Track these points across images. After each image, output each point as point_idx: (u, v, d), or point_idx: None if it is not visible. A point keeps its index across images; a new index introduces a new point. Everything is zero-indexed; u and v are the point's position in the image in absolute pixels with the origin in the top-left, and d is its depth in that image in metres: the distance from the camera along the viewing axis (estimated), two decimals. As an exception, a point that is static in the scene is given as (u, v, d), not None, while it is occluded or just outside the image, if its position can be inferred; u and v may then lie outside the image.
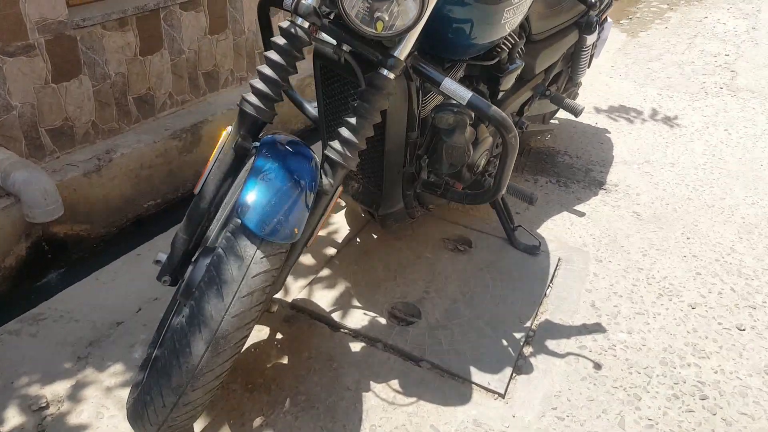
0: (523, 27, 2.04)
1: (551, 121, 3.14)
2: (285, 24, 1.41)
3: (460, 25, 1.59)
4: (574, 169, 2.82)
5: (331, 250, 2.18)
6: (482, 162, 2.00)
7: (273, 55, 1.42)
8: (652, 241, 2.32)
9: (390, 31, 1.36)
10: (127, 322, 1.86)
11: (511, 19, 1.67)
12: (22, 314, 1.87)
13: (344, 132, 1.44)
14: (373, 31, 1.35)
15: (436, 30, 1.60)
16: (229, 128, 1.47)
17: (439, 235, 2.28)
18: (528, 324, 1.89)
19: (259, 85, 1.43)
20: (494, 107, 1.53)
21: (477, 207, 2.48)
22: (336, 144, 1.45)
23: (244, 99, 1.43)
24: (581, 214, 2.47)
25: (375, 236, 2.27)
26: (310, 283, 2.02)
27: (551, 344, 1.83)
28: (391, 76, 1.43)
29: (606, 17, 2.77)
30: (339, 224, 2.32)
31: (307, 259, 2.13)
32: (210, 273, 1.23)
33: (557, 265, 2.16)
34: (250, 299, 1.22)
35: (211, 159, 1.45)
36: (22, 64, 2.10)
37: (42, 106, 2.21)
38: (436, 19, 1.57)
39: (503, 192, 1.75)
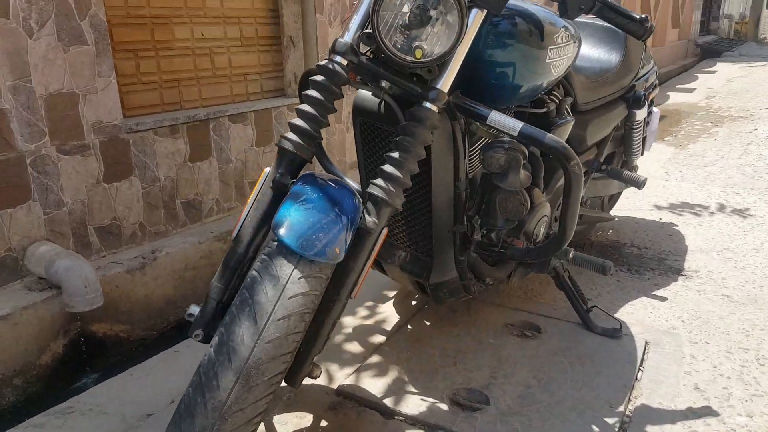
0: (570, 93, 1.99)
1: (613, 217, 2.99)
2: (323, 62, 1.39)
3: (504, 69, 1.54)
4: (645, 258, 2.60)
5: (380, 338, 1.98)
6: (541, 230, 1.84)
7: (312, 92, 1.39)
8: (753, 321, 2.03)
9: (429, 59, 1.31)
10: (159, 413, 1.67)
11: (556, 61, 1.61)
12: (50, 408, 1.72)
13: (387, 168, 1.35)
14: (413, 58, 1.31)
15: (480, 76, 1.56)
16: (268, 168, 1.40)
17: (501, 321, 2.06)
18: (621, 409, 1.60)
19: (299, 122, 1.38)
20: (550, 135, 1.42)
21: (541, 292, 2.27)
22: (379, 181, 1.35)
23: (283, 137, 1.38)
24: (663, 299, 2.22)
25: (428, 323, 2.06)
26: (357, 370, 1.81)
27: (653, 430, 1.52)
28: (434, 108, 1.36)
29: (653, 101, 2.72)
30: (387, 313, 2.14)
31: (352, 345, 1.93)
32: (243, 295, 1.08)
33: (645, 348, 1.89)
34: (287, 324, 1.05)
35: (249, 200, 1.36)
36: (76, 162, 2.15)
37: (92, 204, 2.23)
38: (479, 65, 1.53)
39: (570, 238, 1.57)
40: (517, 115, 1.79)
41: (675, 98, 7.48)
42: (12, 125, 1.96)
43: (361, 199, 1.34)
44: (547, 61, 1.58)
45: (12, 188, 2.00)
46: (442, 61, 1.35)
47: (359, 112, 1.67)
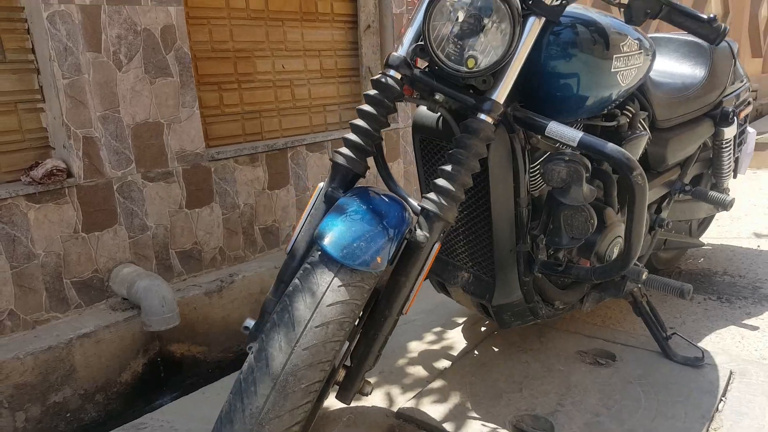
0: (646, 108, 1.90)
1: (703, 243, 2.78)
2: (377, 76, 1.41)
3: (567, 80, 1.49)
4: (737, 287, 2.39)
5: (445, 362, 1.92)
6: (615, 251, 1.74)
7: (366, 107, 1.40)
8: None
9: (481, 68, 1.30)
10: (221, 429, 1.70)
11: (623, 70, 1.54)
12: (125, 423, 1.80)
13: (440, 181, 1.33)
14: (466, 68, 1.30)
15: (543, 88, 1.51)
16: (322, 183, 1.42)
17: (573, 348, 1.95)
18: (698, 442, 1.46)
19: (352, 137, 1.39)
20: (611, 144, 1.35)
21: (620, 319, 2.13)
22: (431, 194, 1.33)
23: (336, 152, 1.40)
24: (754, 328, 2.02)
25: (496, 349, 1.99)
26: (419, 394, 1.76)
27: (734, 465, 1.37)
28: (489, 120, 1.34)
29: (746, 120, 2.54)
30: (455, 338, 2.08)
31: (415, 369, 1.89)
32: (283, 303, 1.09)
33: (729, 379, 1.72)
34: (324, 331, 1.05)
35: (303, 215, 1.39)
36: (160, 188, 2.29)
37: (174, 229, 2.36)
38: (542, 76, 1.49)
39: (636, 257, 1.47)
40: (587, 129, 1.72)
41: (785, 123, 6.93)
42: (101, 153, 2.12)
43: (411, 213, 1.32)
44: (612, 70, 1.51)
45: (100, 212, 2.15)
46: (496, 71, 1.32)
47: (418, 128, 1.67)
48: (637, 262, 1.85)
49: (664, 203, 2.12)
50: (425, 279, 1.39)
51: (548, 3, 1.37)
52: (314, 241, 1.16)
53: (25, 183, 2.00)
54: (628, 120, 1.72)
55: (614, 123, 1.69)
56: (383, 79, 1.39)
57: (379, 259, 1.11)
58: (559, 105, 1.52)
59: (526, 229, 1.62)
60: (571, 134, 1.37)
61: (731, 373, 1.74)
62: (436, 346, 2.04)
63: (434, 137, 1.63)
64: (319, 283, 1.07)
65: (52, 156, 2.12)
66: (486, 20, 1.26)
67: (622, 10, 1.44)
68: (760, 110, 8.22)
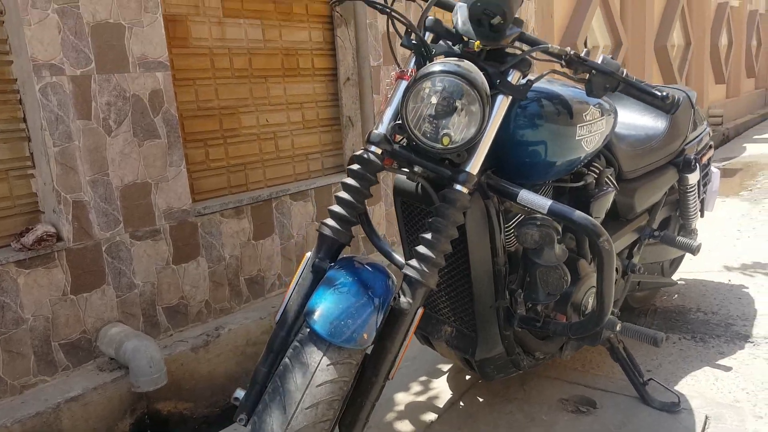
0: (611, 163, 2.01)
1: (677, 281, 2.88)
2: (359, 152, 1.50)
3: (535, 146, 1.60)
4: (711, 324, 2.49)
5: (431, 416, 1.98)
6: (589, 301, 1.83)
7: (349, 180, 1.49)
8: (827, 393, 1.89)
9: (456, 145, 1.39)
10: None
11: (586, 137, 1.65)
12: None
13: (421, 248, 1.41)
14: (441, 146, 1.39)
15: (514, 155, 1.62)
16: (309, 253, 1.49)
17: (556, 396, 2.02)
18: (676, 489, 1.53)
19: (337, 209, 1.47)
20: (579, 212, 1.44)
21: (599, 363, 2.21)
22: (413, 262, 1.41)
23: (322, 223, 1.47)
24: (728, 369, 2.11)
25: (481, 399, 2.05)
26: (408, 447, 1.81)
27: None
28: (465, 190, 1.43)
29: (709, 163, 2.67)
30: (440, 388, 2.14)
31: (403, 425, 1.94)
32: (275, 383, 1.15)
33: (705, 424, 1.80)
34: (314, 412, 1.11)
35: (291, 285, 1.45)
36: (147, 246, 2.34)
37: (161, 286, 2.40)
38: (510, 144, 1.60)
39: (608, 314, 1.56)
40: (557, 189, 1.82)
41: (752, 150, 7.18)
42: (90, 216, 2.17)
43: (395, 281, 1.40)
44: (577, 138, 1.62)
45: (89, 274, 2.19)
46: (470, 146, 1.42)
47: (399, 192, 1.75)
48: (613, 309, 1.95)
49: (635, 249, 2.23)
50: (423, 340, 1.46)
51: (514, 83, 1.48)
52: (304, 317, 1.23)
53: (15, 249, 2.04)
54: (594, 178, 1.83)
55: (582, 182, 1.79)
56: (365, 155, 1.48)
57: (365, 336, 1.18)
58: (529, 170, 1.63)
59: (505, 285, 1.70)
60: (541, 202, 1.47)
61: (707, 418, 1.83)
62: (421, 398, 2.09)
63: (414, 201, 1.71)
64: (308, 363, 1.14)
65: (42, 220, 2.16)
66: (458, 102, 1.36)
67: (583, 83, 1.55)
68: (726, 134, 8.50)
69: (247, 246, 2.71)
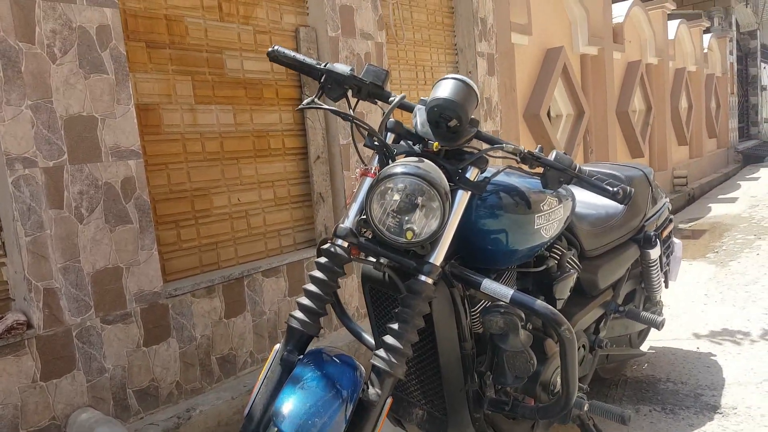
0: (573, 243, 2.09)
1: (646, 350, 2.94)
2: (326, 245, 1.55)
3: (496, 235, 1.67)
4: (680, 395, 2.53)
5: (406, 499, 1.96)
6: (558, 380, 1.86)
7: (317, 273, 1.53)
8: (792, 465, 1.93)
9: (419, 239, 1.45)
10: None
11: (545, 225, 1.73)
12: None
13: (388, 339, 1.45)
14: (405, 239, 1.45)
15: (477, 243, 1.68)
16: (278, 345, 1.51)
17: (528, 475, 2.02)
18: None
19: (305, 301, 1.51)
20: (540, 301, 1.50)
21: (569, 441, 2.22)
22: (381, 352, 1.44)
23: (291, 315, 1.51)
24: (696, 442, 2.14)
25: (455, 480, 2.04)
26: None
27: None
28: (429, 281, 1.48)
29: (670, 236, 2.77)
30: (415, 470, 2.12)
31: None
32: (241, 491, 1.15)
33: (676, 501, 1.82)
34: None
35: (260, 378, 1.47)
36: (118, 330, 2.33)
37: (132, 368, 2.38)
38: (473, 233, 1.66)
39: (574, 397, 1.59)
40: (521, 273, 1.88)
41: (717, 210, 7.41)
42: (61, 302, 2.17)
43: (363, 372, 1.43)
44: (536, 226, 1.69)
45: (59, 360, 2.17)
46: (433, 239, 1.48)
47: (367, 279, 1.80)
48: (581, 385, 1.98)
49: (602, 324, 2.28)
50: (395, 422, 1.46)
51: (473, 179, 1.56)
52: (272, 416, 1.24)
53: (-18, 338, 2.02)
54: (556, 261, 1.89)
55: (544, 266, 1.86)
56: (332, 249, 1.53)
57: (331, 434, 1.20)
58: (490, 256, 1.69)
59: (473, 368, 1.73)
60: (503, 291, 1.52)
61: (675, 494, 1.84)
62: (395, 480, 2.07)
63: (382, 288, 1.75)
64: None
65: (12, 308, 2.15)
66: (419, 199, 1.43)
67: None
68: (691, 194, 8.78)
69: (219, 325, 2.71)
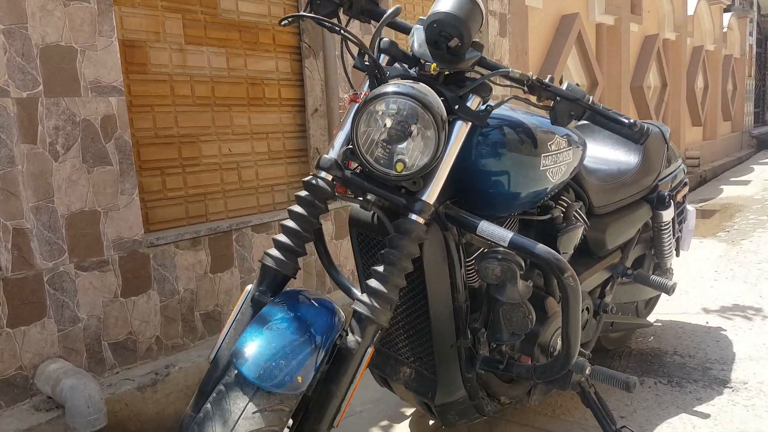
0: (581, 197, 1.93)
1: (653, 322, 2.79)
2: (308, 178, 1.40)
3: (498, 176, 1.51)
4: (687, 368, 2.39)
5: (391, 462, 1.83)
6: (558, 342, 1.72)
7: (296, 208, 1.39)
8: (807, 442, 1.79)
9: (410, 172, 1.30)
10: None
11: (551, 167, 1.57)
12: None
13: (372, 282, 1.30)
14: (395, 172, 1.30)
15: (476, 185, 1.53)
16: (250, 286, 1.37)
17: (523, 443, 1.89)
18: None
19: (282, 238, 1.37)
20: (541, 245, 1.35)
21: (571, 408, 2.08)
22: (364, 296, 1.30)
23: (265, 253, 1.36)
24: (705, 416, 2.00)
25: (445, 446, 1.91)
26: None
27: None
28: (420, 220, 1.33)
29: (684, 201, 2.61)
30: (403, 434, 2.00)
31: (360, 472, 1.80)
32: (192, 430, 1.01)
33: (680, 476, 1.68)
34: (236, 467, 0.97)
35: (229, 320, 1.33)
36: (94, 278, 2.20)
37: (108, 320, 2.25)
38: (472, 173, 1.51)
39: (575, 357, 1.45)
40: (522, 223, 1.73)
41: (729, 192, 7.21)
42: (32, 244, 2.03)
43: (342, 317, 1.29)
44: (541, 168, 1.54)
45: (28, 306, 2.04)
46: (426, 173, 1.33)
47: (354, 223, 1.65)
48: (583, 350, 1.84)
49: (608, 287, 2.13)
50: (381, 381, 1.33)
51: (474, 109, 1.40)
52: (231, 357, 1.10)
53: (-55, 278, 1.89)
54: (562, 212, 1.74)
55: (548, 216, 1.70)
56: (314, 181, 1.38)
57: (299, 379, 1.06)
58: (491, 201, 1.53)
59: (466, 324, 1.59)
60: (502, 234, 1.37)
61: (680, 468, 1.71)
62: (381, 443, 1.95)
63: (370, 232, 1.61)
64: (231, 410, 1.01)
65: (-20, 248, 2.02)
66: (412, 127, 1.27)
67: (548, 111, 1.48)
68: (703, 176, 8.57)
69: (204, 279, 2.58)
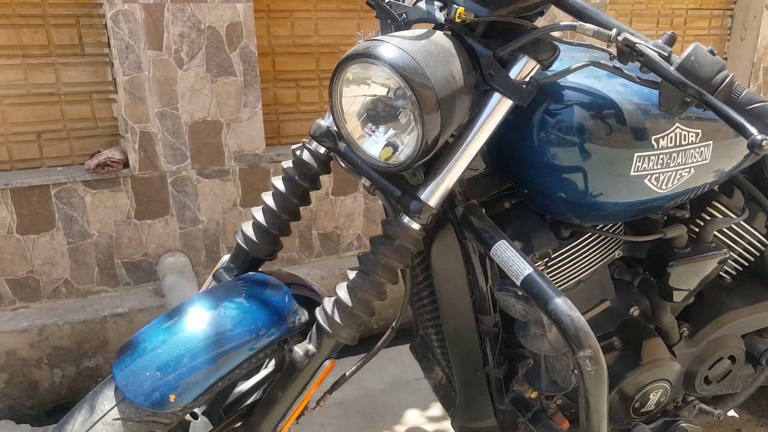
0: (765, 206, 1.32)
1: None
2: (296, 146, 1.15)
3: (566, 174, 1.06)
4: None
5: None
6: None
7: (278, 182, 1.17)
8: None
9: (397, 162, 0.96)
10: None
11: (653, 173, 1.05)
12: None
13: (340, 290, 1.06)
14: (378, 159, 0.98)
15: (536, 179, 1.11)
16: (226, 257, 1.23)
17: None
18: None
19: (258, 215, 1.17)
20: (559, 300, 0.93)
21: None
22: (327, 303, 1.06)
23: (241, 228, 1.19)
24: None
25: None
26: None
27: None
28: (414, 225, 1.00)
29: None
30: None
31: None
32: (65, 417, 0.95)
33: None
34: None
35: (200, 292, 1.22)
36: (215, 185, 2.28)
37: (226, 226, 2.34)
38: (533, 166, 1.09)
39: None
40: (629, 245, 1.25)
41: None
42: (157, 148, 2.15)
43: (302, 320, 1.07)
44: (632, 173, 1.04)
45: (152, 202, 2.21)
46: (431, 165, 0.98)
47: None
48: (712, 410, 1.36)
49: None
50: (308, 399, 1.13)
51: (517, 78, 0.96)
52: (118, 351, 0.99)
53: (85, 169, 2.11)
54: (692, 231, 1.20)
55: (658, 236, 1.19)
56: (298, 151, 1.13)
57: (172, 397, 0.90)
58: (562, 206, 1.11)
59: (496, 349, 1.24)
60: (518, 267, 0.98)
61: None
62: None
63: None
64: (96, 409, 0.91)
65: (121, 144, 2.20)
66: (400, 101, 0.92)
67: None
68: None
69: (325, 201, 2.51)
